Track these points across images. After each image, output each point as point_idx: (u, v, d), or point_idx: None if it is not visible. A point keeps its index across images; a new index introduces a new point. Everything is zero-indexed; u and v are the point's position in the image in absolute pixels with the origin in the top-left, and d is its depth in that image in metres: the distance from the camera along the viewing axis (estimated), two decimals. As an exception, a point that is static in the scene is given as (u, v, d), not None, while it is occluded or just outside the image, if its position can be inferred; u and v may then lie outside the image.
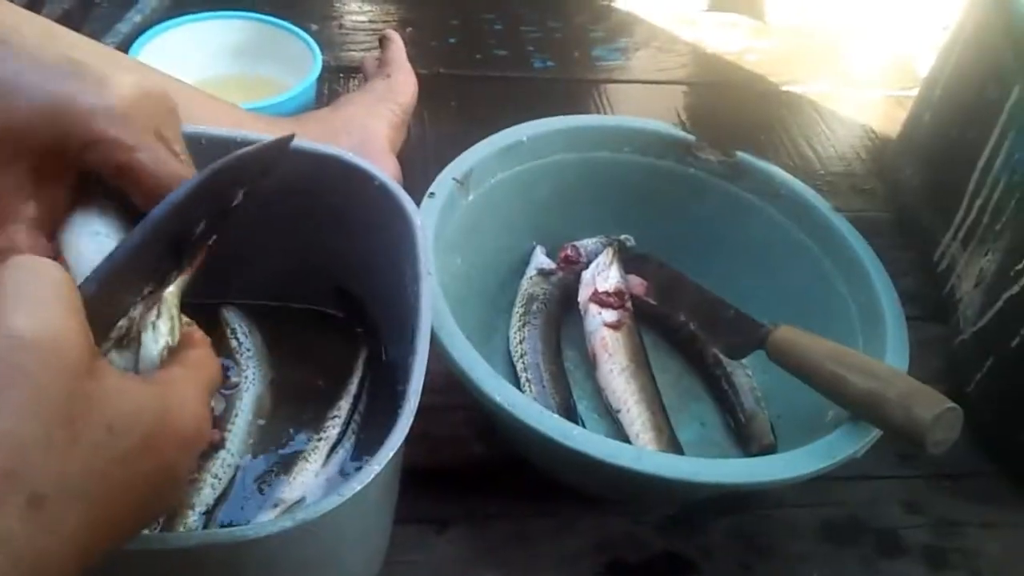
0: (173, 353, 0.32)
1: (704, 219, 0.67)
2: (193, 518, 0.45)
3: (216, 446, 0.50)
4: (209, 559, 0.33)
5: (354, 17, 1.06)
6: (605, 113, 0.94)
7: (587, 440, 0.45)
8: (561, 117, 0.65)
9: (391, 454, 0.36)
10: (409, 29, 1.02)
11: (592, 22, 1.09)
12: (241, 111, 0.70)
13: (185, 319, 0.34)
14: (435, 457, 0.58)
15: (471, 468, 0.58)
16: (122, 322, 0.30)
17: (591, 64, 1.02)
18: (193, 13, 0.81)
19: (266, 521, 0.32)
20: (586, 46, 1.05)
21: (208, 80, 0.78)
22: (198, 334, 0.33)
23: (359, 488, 0.34)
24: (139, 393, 0.27)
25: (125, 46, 0.77)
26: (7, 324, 0.23)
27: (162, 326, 0.32)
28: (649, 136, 0.66)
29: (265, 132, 0.65)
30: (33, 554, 0.22)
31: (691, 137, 0.66)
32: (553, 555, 0.54)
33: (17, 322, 0.23)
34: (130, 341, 0.30)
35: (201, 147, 0.43)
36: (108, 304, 0.30)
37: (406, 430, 0.37)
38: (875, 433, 0.47)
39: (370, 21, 1.05)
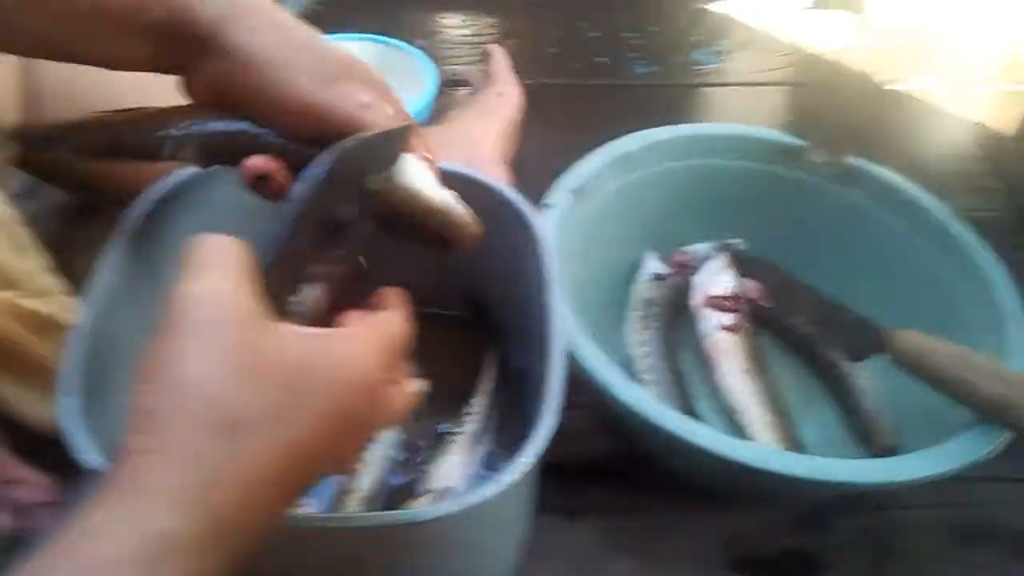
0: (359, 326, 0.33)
1: (815, 222, 0.68)
2: (353, 504, 0.50)
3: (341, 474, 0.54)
4: (388, 537, 0.37)
5: (457, 32, 1.10)
6: (705, 117, 0.96)
7: (720, 441, 0.47)
8: (670, 127, 0.67)
9: (541, 447, 0.39)
10: (510, 41, 1.05)
11: (690, 26, 1.10)
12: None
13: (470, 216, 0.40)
14: (559, 451, 0.61)
15: (595, 463, 0.61)
16: (296, 297, 0.33)
17: (690, 68, 1.03)
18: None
19: (439, 505, 0.36)
20: (685, 50, 1.06)
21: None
22: (396, 299, 0.36)
23: (517, 477, 0.38)
24: (310, 343, 0.29)
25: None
26: (187, 288, 0.28)
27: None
28: (759, 142, 0.67)
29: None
30: (223, 473, 0.25)
31: (801, 142, 0.67)
32: (682, 548, 0.57)
33: (194, 286, 0.28)
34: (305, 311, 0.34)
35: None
36: (282, 275, 0.32)
37: (552, 426, 0.40)
38: (1005, 436, 0.48)
39: (472, 35, 1.10)
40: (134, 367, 0.27)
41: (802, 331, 0.65)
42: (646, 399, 0.48)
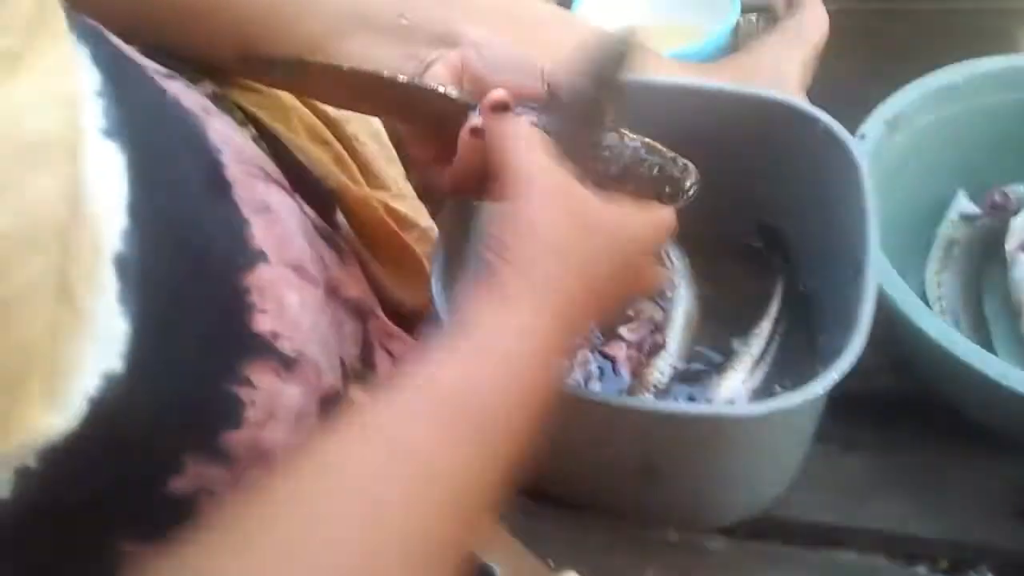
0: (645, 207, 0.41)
1: None
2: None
3: (659, 346, 0.59)
4: (695, 426, 0.42)
5: (757, -44, 1.08)
6: (1038, 47, 0.87)
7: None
8: (1000, 57, 0.63)
9: (846, 368, 0.41)
10: (815, -35, 1.01)
11: (1027, -55, 0.99)
12: (665, 60, 0.78)
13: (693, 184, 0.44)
14: (842, 383, 0.62)
15: (881, 398, 0.61)
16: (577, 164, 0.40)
17: (1024, -7, 0.93)
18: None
19: (748, 405, 0.40)
20: (1018, -27, 0.95)
21: (640, 26, 0.87)
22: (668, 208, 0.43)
23: (819, 391, 0.41)
24: (611, 208, 0.37)
25: (566, 1, 0.89)
26: (526, 160, 0.36)
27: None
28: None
29: (689, 77, 0.72)
30: (571, 295, 0.34)
31: None
32: (964, 491, 0.56)
33: (531, 159, 0.36)
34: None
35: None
36: (575, 143, 0.40)
37: (859, 350, 0.42)
38: None
39: (773, -41, 1.07)
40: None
41: None
42: (954, 333, 0.48)
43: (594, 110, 0.41)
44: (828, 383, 0.41)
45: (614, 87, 0.41)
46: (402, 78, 0.42)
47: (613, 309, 0.39)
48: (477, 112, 0.41)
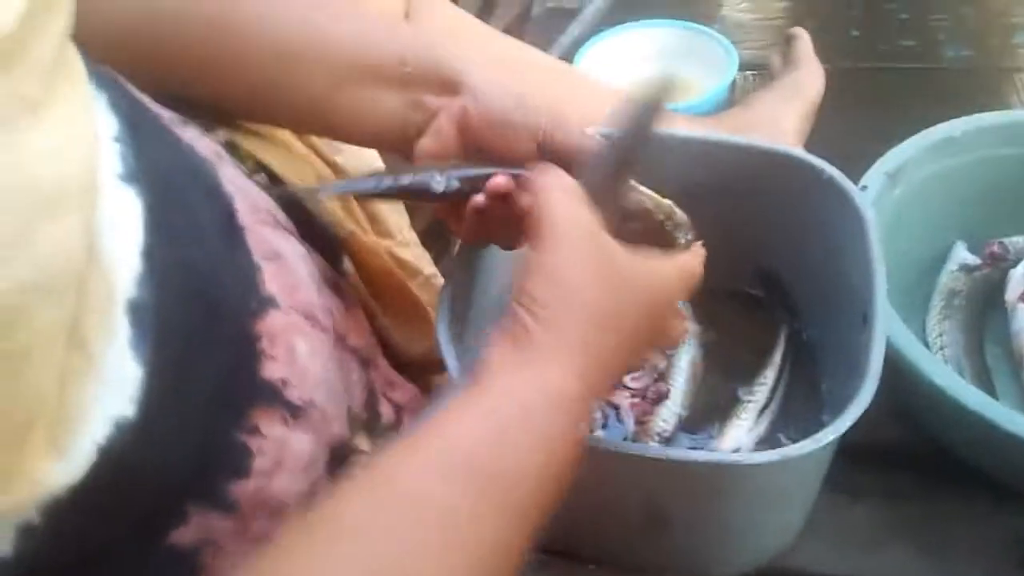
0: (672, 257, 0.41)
1: None
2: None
3: (663, 396, 0.59)
4: (703, 474, 0.42)
5: (750, 15, 1.10)
6: (1028, 103, 0.89)
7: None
8: (999, 112, 0.65)
9: (857, 415, 0.41)
10: (808, 23, 1.03)
11: (1013, 5, 1.02)
12: (669, 113, 0.79)
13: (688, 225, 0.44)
14: (850, 432, 0.62)
15: (885, 447, 0.61)
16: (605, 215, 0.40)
17: (1012, 51, 0.96)
18: (621, 23, 0.93)
19: (759, 453, 0.40)
20: (1006, 32, 0.98)
21: (639, 80, 0.89)
22: (698, 249, 0.43)
23: (831, 438, 0.41)
24: (637, 261, 0.37)
25: (569, 56, 0.91)
26: (558, 210, 0.35)
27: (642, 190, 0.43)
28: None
29: (693, 129, 0.74)
30: (598, 351, 0.34)
31: None
32: (969, 541, 0.55)
33: (563, 210, 0.35)
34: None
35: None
36: (598, 201, 0.39)
37: (869, 399, 0.42)
38: None
39: (766, 18, 1.09)
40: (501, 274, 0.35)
41: None
42: (960, 382, 0.48)
43: (630, 162, 0.42)
44: (839, 431, 0.41)
45: (648, 138, 0.42)
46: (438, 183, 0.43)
47: (636, 362, 0.39)
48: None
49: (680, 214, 0.46)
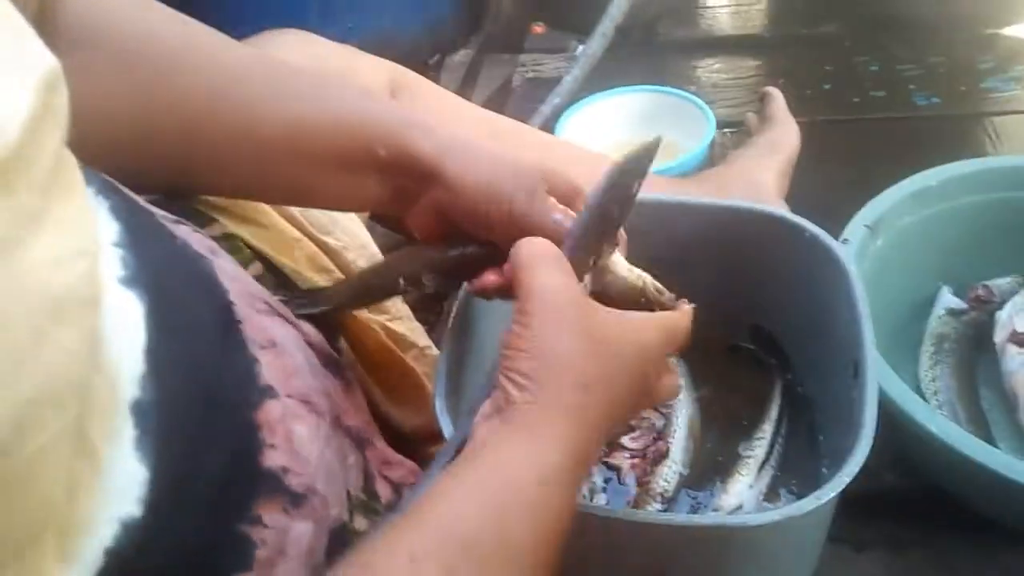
0: (656, 314, 0.42)
1: None
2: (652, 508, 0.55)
3: (663, 455, 0.59)
4: (708, 537, 0.42)
5: (724, 75, 1.14)
6: (999, 148, 0.91)
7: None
8: (972, 160, 0.66)
9: (856, 469, 0.42)
10: (781, 80, 1.07)
11: (979, 53, 1.06)
12: (652, 176, 0.81)
13: (669, 295, 0.44)
14: (850, 483, 0.62)
15: (886, 496, 0.61)
16: (586, 278, 0.42)
17: (981, 97, 0.99)
18: (600, 91, 0.95)
19: (763, 513, 0.40)
20: (974, 78, 1.02)
21: (620, 144, 0.91)
22: (685, 307, 0.43)
23: (832, 494, 0.41)
24: (621, 323, 0.37)
25: (551, 124, 0.93)
26: (539, 281, 0.36)
27: (620, 262, 0.43)
28: (1071, 173, 0.64)
29: (671, 192, 0.76)
30: (586, 421, 0.34)
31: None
32: (976, 586, 0.55)
33: (544, 280, 0.36)
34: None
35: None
36: (578, 265, 0.41)
37: (866, 452, 0.43)
38: None
39: (740, 77, 1.13)
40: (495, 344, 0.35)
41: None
42: (956, 429, 0.49)
43: (610, 226, 0.43)
44: (839, 487, 0.41)
45: (629, 202, 0.43)
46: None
47: (627, 422, 0.39)
48: None
49: (655, 284, 0.45)
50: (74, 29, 0.41)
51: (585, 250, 0.41)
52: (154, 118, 0.43)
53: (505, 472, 0.32)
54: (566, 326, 0.35)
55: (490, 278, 0.44)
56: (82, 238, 0.27)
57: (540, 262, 0.37)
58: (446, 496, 0.31)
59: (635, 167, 0.43)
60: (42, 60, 0.26)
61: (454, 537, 0.29)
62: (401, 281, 0.48)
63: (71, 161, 0.29)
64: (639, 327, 0.38)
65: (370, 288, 0.52)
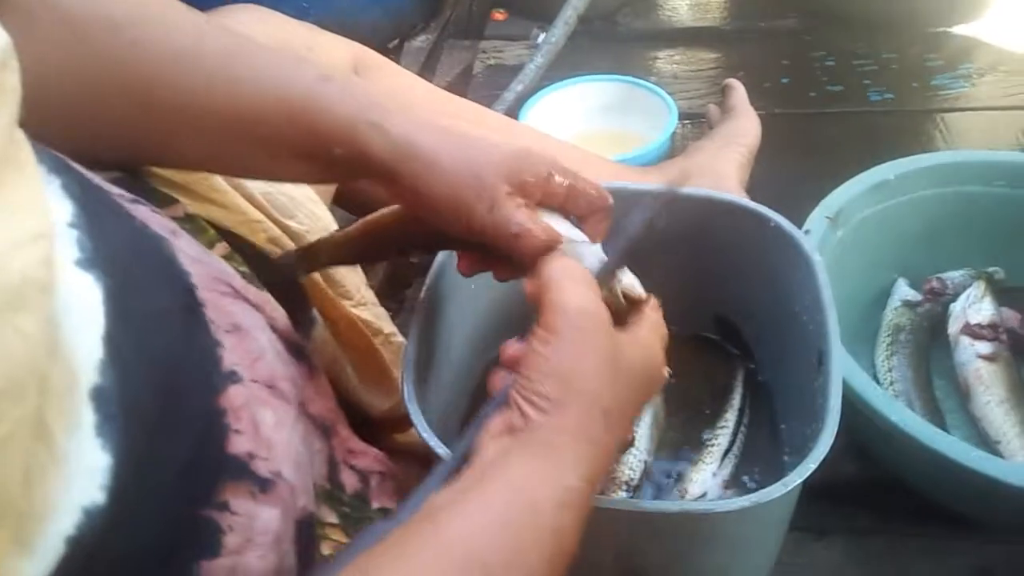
0: (638, 316, 0.41)
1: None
2: (618, 494, 0.55)
3: (628, 443, 0.59)
4: (676, 524, 0.42)
5: (684, 67, 1.15)
6: (950, 143, 0.94)
7: (986, 461, 0.47)
8: (927, 155, 0.68)
9: (821, 456, 0.42)
10: (741, 73, 1.08)
11: (929, 51, 1.08)
12: (615, 164, 0.81)
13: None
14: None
15: (845, 485, 0.62)
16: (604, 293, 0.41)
17: (932, 93, 1.01)
18: (562, 80, 0.95)
19: (731, 500, 0.40)
20: (925, 75, 1.04)
21: (583, 134, 0.91)
22: (653, 301, 0.43)
23: (798, 481, 0.41)
24: (636, 343, 0.38)
25: (513, 111, 0.92)
26: (566, 300, 0.35)
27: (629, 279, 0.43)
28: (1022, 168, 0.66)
29: (636, 180, 0.76)
30: (603, 445, 0.34)
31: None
32: (930, 574, 0.57)
33: (571, 299, 0.35)
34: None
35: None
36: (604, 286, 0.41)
37: (831, 440, 0.43)
38: None
39: (699, 70, 1.14)
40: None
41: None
42: (916, 418, 0.50)
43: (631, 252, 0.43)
44: (804, 474, 0.42)
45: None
46: None
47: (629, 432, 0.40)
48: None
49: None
50: None
51: (611, 275, 0.41)
52: (104, 88, 0.41)
53: (523, 493, 0.31)
54: (592, 351, 0.34)
55: (514, 347, 0.40)
56: (38, 220, 0.25)
57: (572, 283, 0.36)
58: (462, 514, 0.30)
59: (665, 203, 0.44)
60: None
61: (471, 557, 0.28)
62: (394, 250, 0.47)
63: (21, 138, 0.27)
64: (647, 344, 0.39)
65: (363, 252, 0.51)
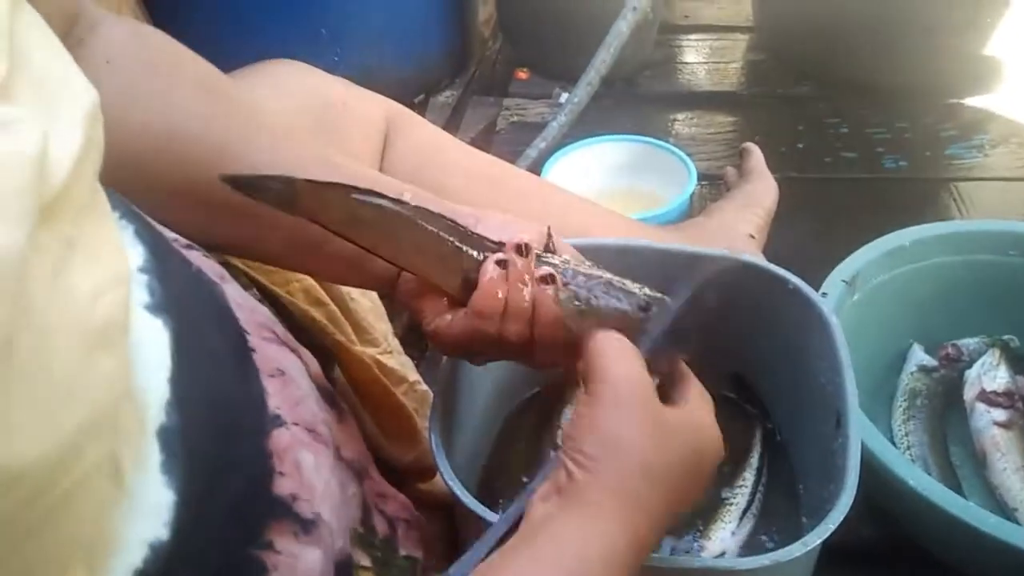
0: (684, 387, 0.42)
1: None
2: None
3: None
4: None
5: (702, 130, 1.18)
6: (962, 212, 0.96)
7: (1004, 527, 0.48)
8: (942, 223, 0.70)
9: (841, 517, 0.43)
10: (757, 137, 1.11)
11: (943, 121, 1.11)
12: (633, 222, 0.83)
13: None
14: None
15: (862, 546, 0.62)
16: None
17: (945, 163, 1.04)
18: (585, 137, 0.98)
19: (751, 558, 0.41)
20: (938, 145, 1.06)
21: (603, 191, 0.93)
22: (695, 379, 0.44)
23: (818, 541, 0.42)
24: (685, 423, 0.38)
25: (536, 168, 0.95)
26: (616, 370, 0.37)
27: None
28: (1036, 239, 0.68)
29: (653, 239, 0.77)
30: (649, 505, 0.35)
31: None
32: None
33: (620, 370, 0.37)
34: None
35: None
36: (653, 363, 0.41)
37: (850, 501, 0.44)
38: None
39: (717, 132, 1.17)
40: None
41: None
42: (934, 483, 0.51)
43: (684, 333, 0.44)
44: (824, 534, 0.42)
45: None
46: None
47: (687, 509, 0.40)
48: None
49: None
50: None
51: (658, 351, 0.42)
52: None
53: (572, 548, 0.32)
54: (634, 415, 0.36)
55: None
56: (117, 265, 0.27)
57: (619, 353, 0.38)
58: (513, 569, 0.32)
59: (714, 283, 0.46)
60: (86, 93, 0.27)
61: None
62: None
63: (98, 187, 0.29)
64: (699, 421, 0.40)
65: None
